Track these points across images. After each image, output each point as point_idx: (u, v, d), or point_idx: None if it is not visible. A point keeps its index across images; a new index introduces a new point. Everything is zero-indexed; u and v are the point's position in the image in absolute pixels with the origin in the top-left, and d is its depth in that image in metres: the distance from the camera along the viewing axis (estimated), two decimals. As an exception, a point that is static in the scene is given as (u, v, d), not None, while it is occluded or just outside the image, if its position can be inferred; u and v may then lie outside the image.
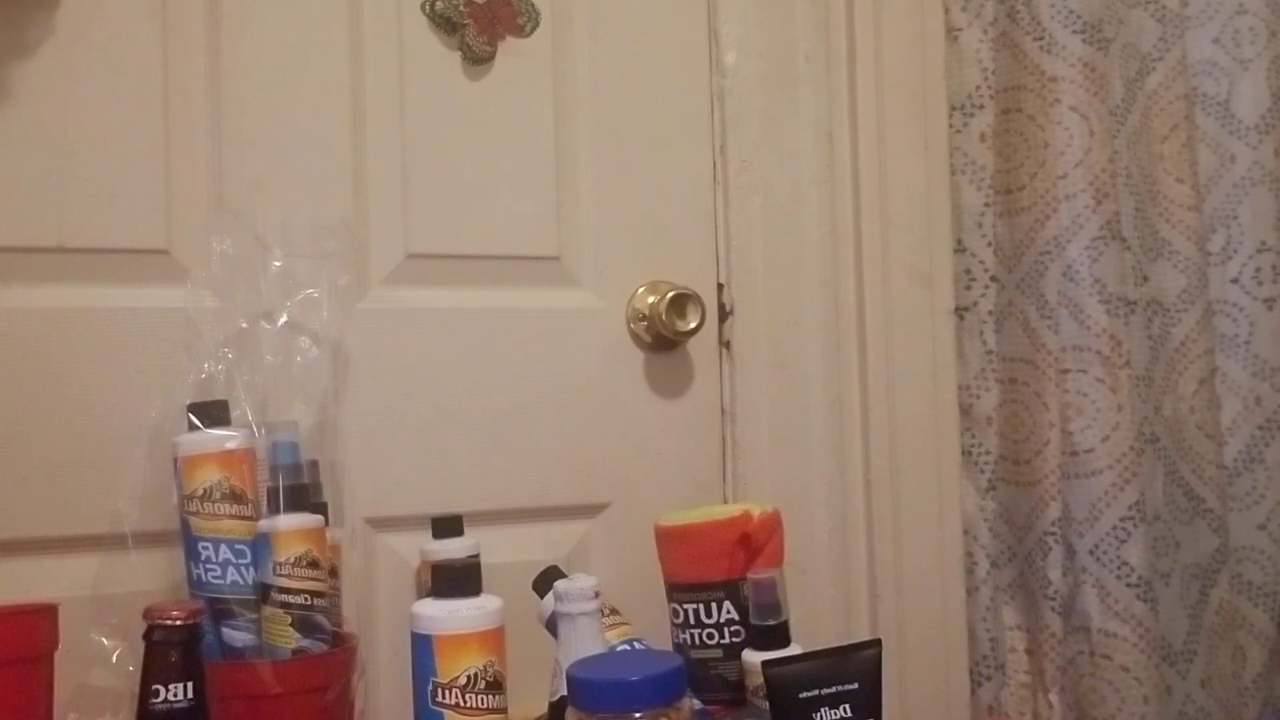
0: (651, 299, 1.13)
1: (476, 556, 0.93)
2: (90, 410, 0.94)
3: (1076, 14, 1.20)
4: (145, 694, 0.70)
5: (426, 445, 1.06)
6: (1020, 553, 1.24)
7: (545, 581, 0.85)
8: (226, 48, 1.01)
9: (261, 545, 0.83)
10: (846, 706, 0.71)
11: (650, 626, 0.88)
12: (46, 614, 0.77)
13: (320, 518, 0.86)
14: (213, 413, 0.86)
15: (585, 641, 0.73)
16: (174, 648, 0.70)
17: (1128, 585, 1.17)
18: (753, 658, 0.78)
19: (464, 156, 1.09)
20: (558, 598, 0.74)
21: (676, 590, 0.87)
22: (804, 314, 1.21)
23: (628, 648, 0.83)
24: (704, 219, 1.19)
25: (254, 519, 0.84)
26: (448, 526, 0.97)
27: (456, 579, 0.76)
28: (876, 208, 1.23)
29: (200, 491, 0.84)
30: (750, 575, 0.81)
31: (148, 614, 0.71)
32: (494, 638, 0.75)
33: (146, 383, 0.93)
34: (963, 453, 1.26)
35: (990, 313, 1.26)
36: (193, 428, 0.85)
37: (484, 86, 1.10)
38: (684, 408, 1.17)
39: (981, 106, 1.26)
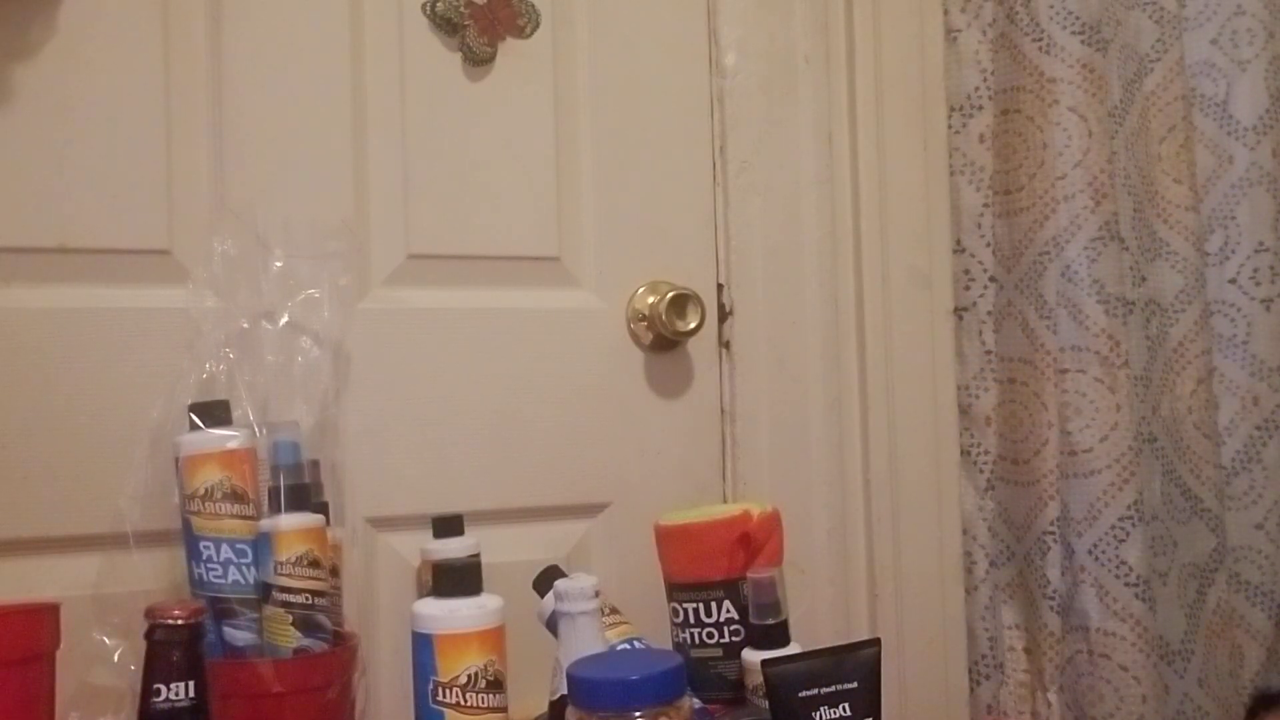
0: (651, 299, 1.14)
1: (477, 556, 0.93)
2: (92, 410, 0.94)
3: (1075, 15, 1.20)
4: (147, 693, 0.70)
5: (427, 445, 1.06)
6: (1019, 552, 1.24)
7: (545, 581, 0.86)
8: (228, 48, 1.01)
9: (263, 545, 0.83)
10: (846, 705, 0.71)
11: (650, 626, 0.88)
12: (48, 613, 0.77)
13: (321, 517, 0.86)
14: (214, 412, 0.86)
15: (585, 640, 0.73)
16: (175, 647, 0.71)
17: (1126, 584, 1.18)
18: (752, 657, 0.78)
19: (465, 157, 1.09)
20: (558, 597, 0.75)
21: (676, 589, 0.87)
22: (803, 314, 1.21)
23: (628, 647, 0.84)
24: (704, 219, 1.19)
25: (255, 518, 0.85)
26: (448, 526, 0.98)
27: (457, 578, 0.76)
28: (876, 208, 1.23)
29: (202, 491, 0.84)
30: (750, 574, 0.81)
31: (149, 613, 0.72)
32: (494, 637, 0.75)
33: (148, 383, 0.94)
34: (962, 452, 1.26)
35: (989, 313, 1.26)
36: (194, 427, 0.86)
37: (485, 87, 1.10)
38: (684, 408, 1.17)
39: (980, 107, 1.27)
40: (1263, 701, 0.85)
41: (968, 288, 1.27)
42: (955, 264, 1.27)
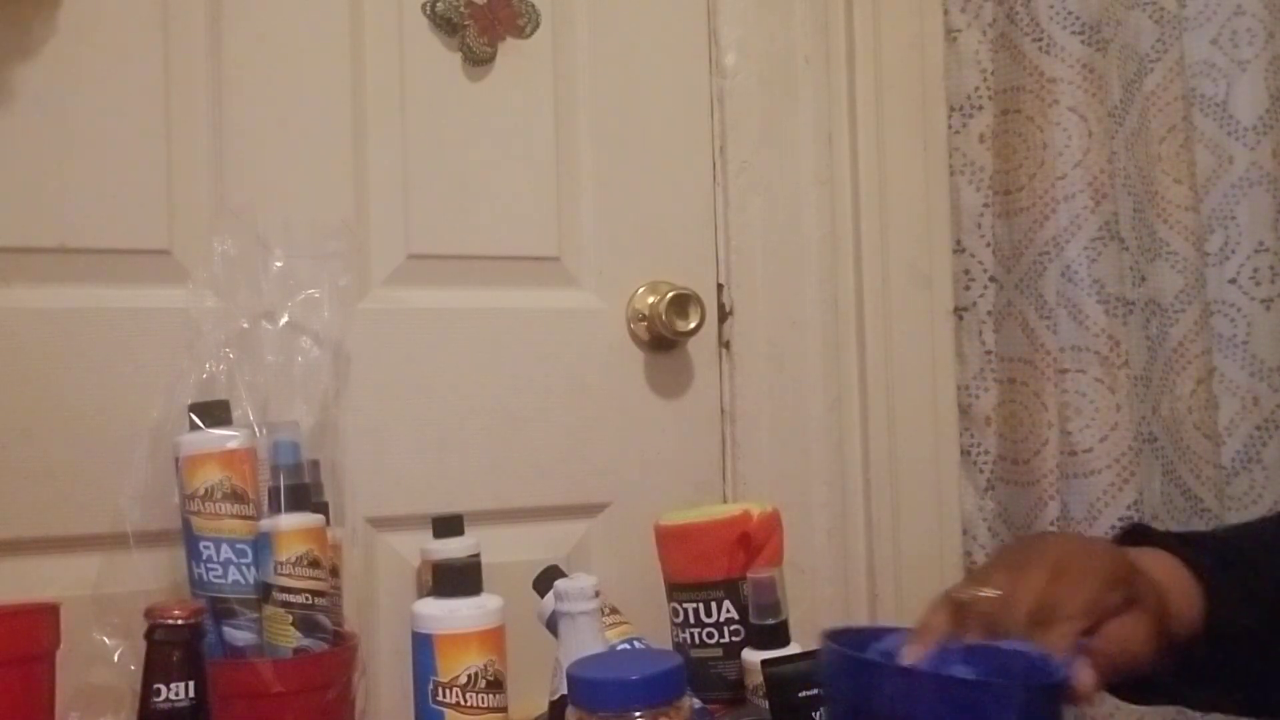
0: (651, 299, 1.14)
1: (477, 556, 0.93)
2: (92, 410, 0.94)
3: (1075, 15, 1.20)
4: (147, 693, 0.70)
5: (427, 445, 1.06)
6: (1019, 552, 1.24)
7: (545, 581, 0.85)
8: (228, 48, 1.01)
9: (263, 545, 0.83)
10: (845, 705, 0.71)
11: (650, 626, 0.88)
12: (48, 613, 0.77)
13: (321, 517, 0.86)
14: (214, 413, 0.86)
15: (585, 640, 0.73)
16: (176, 647, 0.70)
17: (1126, 585, 1.17)
18: (752, 656, 0.78)
19: (465, 157, 1.09)
20: (558, 597, 0.75)
21: (676, 589, 0.87)
22: (803, 314, 1.21)
23: (627, 647, 0.83)
24: (704, 219, 1.19)
25: (255, 518, 0.85)
26: (448, 526, 0.98)
27: (457, 578, 0.76)
28: (876, 208, 1.23)
29: (202, 491, 0.84)
30: (750, 574, 0.81)
31: (149, 613, 0.72)
32: (494, 637, 0.75)
33: (148, 383, 0.93)
34: (961, 452, 1.26)
35: (989, 313, 1.26)
36: (194, 427, 0.86)
37: (484, 87, 1.10)
38: (684, 408, 1.17)
39: (980, 107, 1.27)
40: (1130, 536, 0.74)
41: (968, 288, 1.27)
42: (955, 264, 1.27)
